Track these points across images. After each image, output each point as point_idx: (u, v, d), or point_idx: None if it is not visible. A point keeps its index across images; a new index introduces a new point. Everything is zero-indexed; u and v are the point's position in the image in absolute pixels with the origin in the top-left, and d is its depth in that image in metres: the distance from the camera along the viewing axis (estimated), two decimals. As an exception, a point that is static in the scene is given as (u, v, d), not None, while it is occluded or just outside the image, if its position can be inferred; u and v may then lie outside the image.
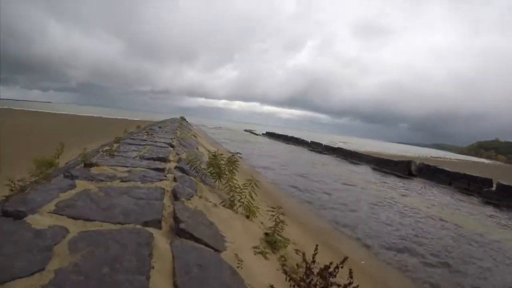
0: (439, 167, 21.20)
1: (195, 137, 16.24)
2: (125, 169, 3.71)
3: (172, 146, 7.50)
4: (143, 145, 6.75)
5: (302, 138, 44.37)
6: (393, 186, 15.61)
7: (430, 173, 20.53)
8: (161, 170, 3.95)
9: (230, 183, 3.99)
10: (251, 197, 3.72)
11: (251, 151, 24.22)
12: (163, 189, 2.94)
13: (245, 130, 74.19)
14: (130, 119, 45.63)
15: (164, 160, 4.99)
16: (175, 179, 3.53)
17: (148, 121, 35.06)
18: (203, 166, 4.69)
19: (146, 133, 11.35)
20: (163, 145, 7.32)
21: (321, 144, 36.99)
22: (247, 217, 3.61)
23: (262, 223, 3.80)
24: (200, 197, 3.14)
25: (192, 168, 4.47)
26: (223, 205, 3.44)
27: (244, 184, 3.84)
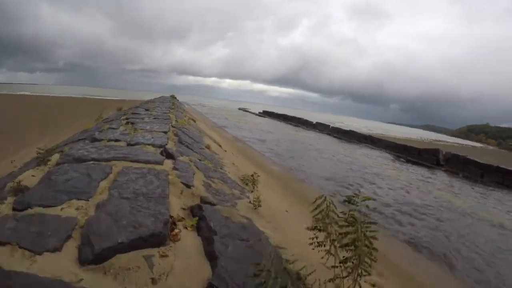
0: (468, 157, 18.75)
1: (194, 121, 12.55)
2: None
3: (169, 154, 3.98)
4: (109, 159, 3.24)
5: (304, 118, 40.40)
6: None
7: (460, 163, 18.15)
8: None
9: None
10: None
11: (266, 138, 20.16)
12: None
13: (240, 109, 69.52)
14: (115, 98, 40.67)
15: (154, 243, 1.56)
16: None
17: (135, 100, 30.59)
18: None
19: (125, 121, 7.65)
20: (151, 154, 3.82)
21: (329, 126, 33.54)
22: None
23: None
24: None
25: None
26: None
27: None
